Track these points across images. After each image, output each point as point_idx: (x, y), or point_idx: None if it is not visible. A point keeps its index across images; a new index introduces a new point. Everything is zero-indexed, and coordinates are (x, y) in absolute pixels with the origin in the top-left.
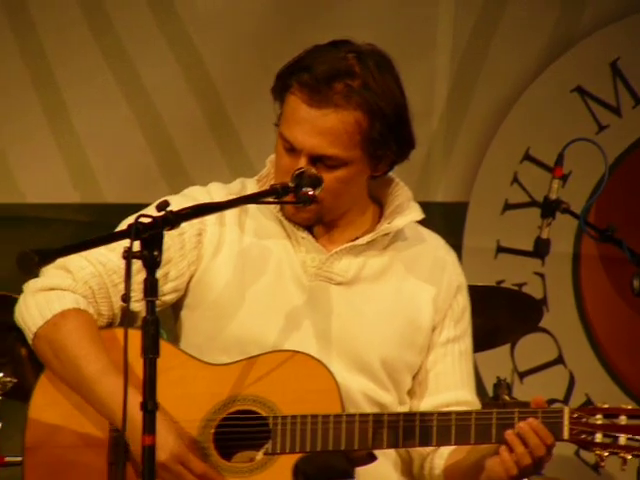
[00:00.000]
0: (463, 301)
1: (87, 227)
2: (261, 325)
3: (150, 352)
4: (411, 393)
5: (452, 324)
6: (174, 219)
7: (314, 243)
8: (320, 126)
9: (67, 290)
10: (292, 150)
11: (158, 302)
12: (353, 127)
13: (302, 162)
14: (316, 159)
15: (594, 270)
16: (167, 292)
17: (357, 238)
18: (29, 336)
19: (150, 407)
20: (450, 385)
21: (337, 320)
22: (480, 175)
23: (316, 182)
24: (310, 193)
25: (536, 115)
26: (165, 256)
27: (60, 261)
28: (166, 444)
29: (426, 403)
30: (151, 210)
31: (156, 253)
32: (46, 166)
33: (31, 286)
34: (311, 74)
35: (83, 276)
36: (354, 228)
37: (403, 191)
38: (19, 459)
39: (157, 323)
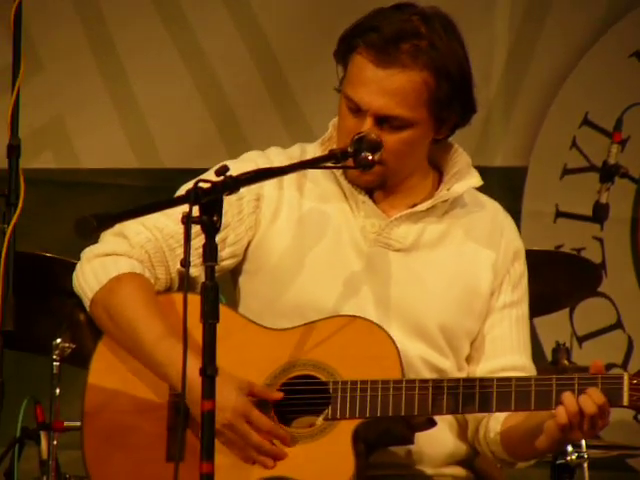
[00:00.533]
0: (520, 267)
1: (145, 192)
2: (320, 291)
3: (210, 317)
4: (468, 358)
5: (509, 289)
6: (233, 184)
7: (374, 208)
8: (387, 86)
9: (123, 255)
10: (357, 111)
11: (217, 267)
12: (420, 87)
13: (368, 123)
14: (382, 120)
15: None
16: (225, 257)
17: (416, 204)
18: (86, 302)
19: (210, 372)
20: (507, 350)
21: (396, 286)
22: (539, 140)
23: (375, 147)
24: (369, 158)
25: (594, 80)
26: (223, 221)
27: (117, 227)
28: (230, 402)
29: (482, 367)
30: (210, 175)
31: (215, 218)
32: (104, 132)
33: (88, 253)
34: (378, 34)
35: (139, 241)
36: (414, 194)
37: (462, 157)
38: (78, 424)
39: (217, 288)
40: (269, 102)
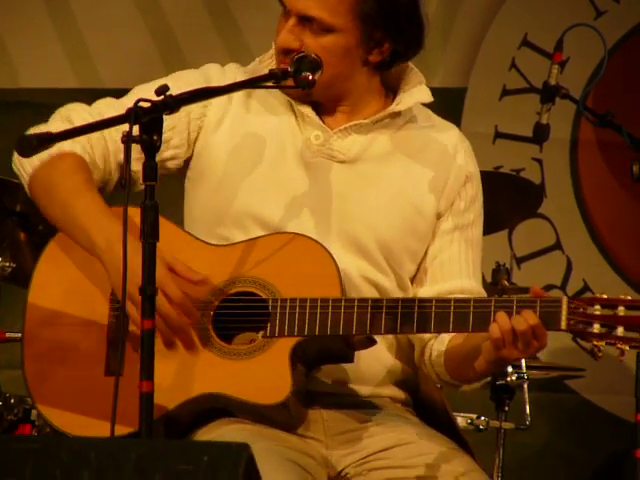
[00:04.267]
0: (473, 190)
1: None
2: (261, 202)
3: (149, 237)
4: (415, 280)
5: (460, 212)
6: (173, 103)
7: (318, 121)
8: None
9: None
10: (287, 14)
11: (159, 167)
12: None
13: (290, 21)
14: (304, 20)
15: (592, 156)
16: (167, 158)
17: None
18: (25, 178)
19: (149, 292)
20: (455, 273)
21: (336, 199)
22: (478, 61)
23: (315, 66)
24: (310, 77)
25: (534, 1)
26: (169, 122)
27: (64, 112)
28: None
29: (429, 290)
30: (145, 90)
31: (155, 137)
32: (44, 51)
33: (32, 133)
34: None
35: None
36: (362, 112)
37: (415, 75)
38: (19, 335)
39: (156, 208)
40: (209, 23)
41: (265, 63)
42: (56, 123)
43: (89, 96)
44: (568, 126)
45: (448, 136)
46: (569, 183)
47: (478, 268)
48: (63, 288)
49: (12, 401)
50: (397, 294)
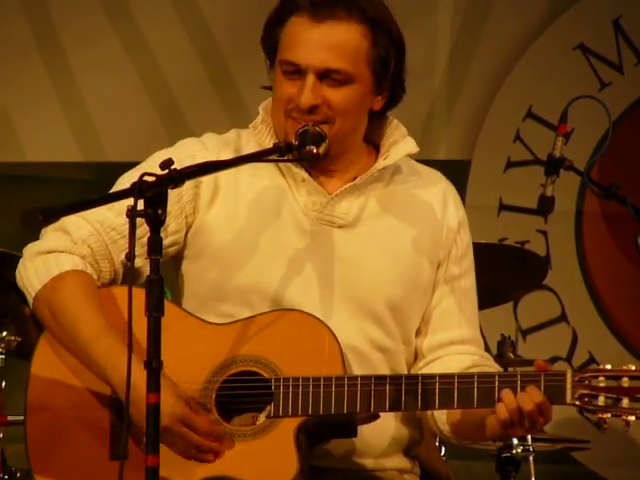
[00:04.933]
0: (466, 237)
1: (90, 185)
2: (263, 274)
3: (155, 310)
4: (417, 331)
5: (457, 261)
6: (178, 178)
7: (314, 185)
8: (325, 40)
9: (65, 252)
10: (296, 73)
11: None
12: (359, 39)
13: (309, 80)
14: (323, 75)
15: (597, 228)
16: (167, 245)
17: (356, 178)
18: (29, 300)
19: (155, 365)
20: (454, 323)
21: (340, 265)
22: (483, 133)
23: (319, 139)
24: (314, 151)
25: (538, 73)
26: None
27: (58, 222)
28: (167, 407)
29: (430, 341)
30: (149, 165)
31: (160, 212)
32: (49, 125)
33: (30, 250)
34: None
35: (81, 235)
36: (352, 169)
37: (398, 128)
38: (21, 418)
39: (161, 282)
40: (212, 93)
41: (258, 129)
42: (51, 234)
43: (94, 169)
44: (573, 198)
45: (437, 189)
46: (574, 255)
47: (476, 315)
48: (64, 367)
49: (18, 475)
50: (402, 356)
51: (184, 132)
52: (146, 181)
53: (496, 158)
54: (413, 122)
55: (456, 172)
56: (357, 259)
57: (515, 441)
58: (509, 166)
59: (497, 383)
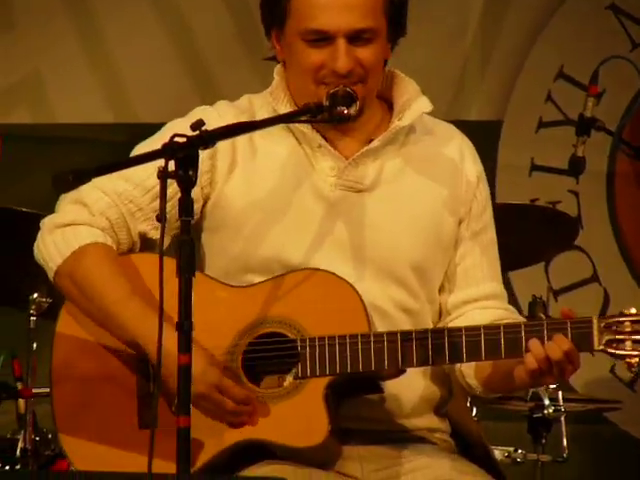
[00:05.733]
0: (485, 190)
1: (121, 147)
2: (286, 243)
3: (186, 272)
4: (440, 288)
5: (478, 216)
6: (209, 138)
7: (330, 150)
8: (347, 2)
9: (84, 224)
10: (323, 40)
11: (173, 226)
12: None
13: (341, 45)
14: (353, 37)
15: (628, 188)
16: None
17: (371, 140)
18: (50, 274)
19: (186, 327)
20: (479, 279)
21: (361, 230)
22: (514, 93)
23: (350, 100)
24: (345, 112)
25: (570, 33)
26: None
27: (75, 195)
28: (201, 373)
29: (455, 298)
30: (164, 135)
31: (191, 172)
32: (80, 87)
33: (47, 223)
34: None
35: (99, 207)
36: (367, 129)
37: (410, 84)
38: (47, 390)
39: (192, 243)
40: (244, 56)
41: (274, 95)
42: (68, 207)
43: (125, 131)
44: (604, 158)
45: (453, 144)
46: (606, 215)
47: (498, 268)
48: (87, 337)
49: (49, 436)
50: (427, 315)
51: (214, 94)
52: (177, 142)
53: (528, 118)
54: (445, 82)
55: (488, 132)
56: (378, 223)
57: (547, 402)
58: (541, 126)
59: (524, 333)
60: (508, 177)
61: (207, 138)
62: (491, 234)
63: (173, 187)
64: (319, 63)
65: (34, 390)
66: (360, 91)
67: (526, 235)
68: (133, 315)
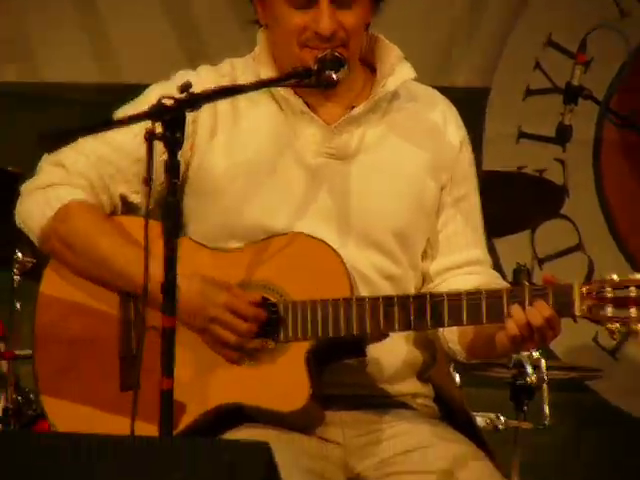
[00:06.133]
0: (469, 156)
1: (106, 107)
2: (269, 212)
3: (171, 234)
4: (423, 254)
5: (461, 182)
6: (195, 101)
7: (313, 117)
8: None
9: (64, 185)
10: (307, 2)
11: (155, 191)
12: None
13: (324, 5)
14: (336, 0)
15: (615, 156)
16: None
17: (353, 106)
18: (34, 237)
19: (171, 290)
20: (462, 245)
21: (344, 197)
22: (502, 61)
23: (339, 64)
24: (334, 76)
25: (559, 0)
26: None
27: (55, 157)
28: (212, 296)
29: (438, 264)
30: (146, 99)
31: (178, 135)
32: (68, 46)
33: (27, 187)
34: None
35: (78, 168)
36: (349, 95)
37: (392, 50)
38: (29, 353)
39: (178, 205)
40: (232, 17)
41: (257, 59)
42: (47, 168)
43: (111, 90)
44: (591, 127)
45: (436, 110)
46: (592, 184)
47: (481, 234)
48: (71, 299)
49: (31, 396)
50: (410, 281)
51: (202, 55)
52: (164, 104)
53: (515, 86)
54: (433, 48)
55: (475, 99)
56: (361, 191)
57: (529, 369)
58: (528, 94)
59: (505, 298)
60: (495, 144)
61: (194, 101)
62: (474, 200)
63: (156, 150)
64: (301, 25)
65: (16, 352)
66: (344, 54)
67: (512, 203)
68: (133, 259)
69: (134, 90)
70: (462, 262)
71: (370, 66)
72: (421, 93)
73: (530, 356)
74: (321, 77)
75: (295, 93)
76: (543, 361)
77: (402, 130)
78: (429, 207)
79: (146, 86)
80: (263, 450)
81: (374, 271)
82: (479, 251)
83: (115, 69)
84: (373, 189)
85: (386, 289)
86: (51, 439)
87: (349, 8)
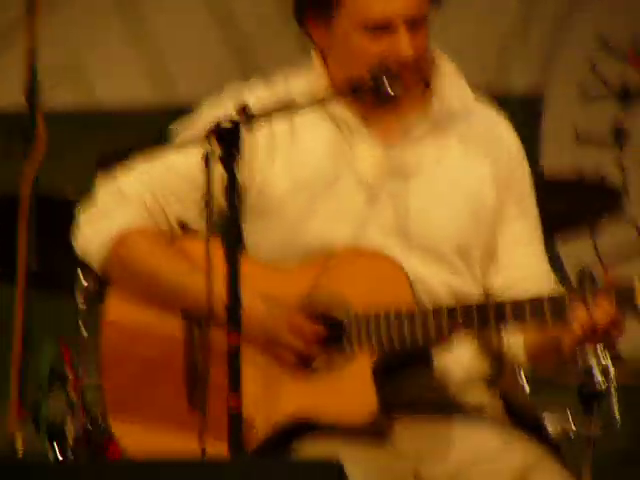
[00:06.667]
0: (525, 166)
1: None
2: (328, 232)
3: (233, 250)
4: (484, 269)
5: (519, 194)
6: (252, 121)
7: (370, 136)
8: None
9: (121, 210)
10: (382, 29)
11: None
12: None
13: (403, 32)
14: (411, 23)
15: None
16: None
17: (410, 122)
18: (95, 266)
19: (235, 305)
20: (522, 257)
21: (406, 215)
22: (558, 65)
23: (396, 80)
24: (391, 93)
25: (613, 3)
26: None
27: (111, 182)
28: (271, 315)
29: (499, 278)
30: (201, 116)
31: (236, 154)
32: (120, 66)
33: (85, 214)
34: None
35: (134, 193)
36: (405, 110)
37: (448, 64)
38: (96, 380)
39: (239, 223)
40: (287, 34)
41: (316, 83)
42: (104, 194)
43: (168, 112)
44: None
45: (491, 123)
46: None
47: (542, 244)
48: (134, 327)
49: (100, 422)
50: (472, 293)
51: (257, 70)
52: (222, 126)
53: (571, 89)
54: (488, 54)
55: (532, 105)
56: (421, 207)
57: (599, 377)
58: (584, 98)
59: (568, 299)
60: (553, 148)
61: (251, 121)
62: (533, 212)
63: (216, 173)
64: (379, 52)
65: (85, 380)
66: (417, 77)
67: (573, 207)
68: (201, 286)
69: (188, 108)
70: (527, 275)
71: (424, 80)
72: (477, 106)
73: (599, 363)
74: (378, 92)
75: (352, 112)
76: (611, 368)
77: (460, 145)
78: (489, 221)
79: (199, 99)
80: (335, 469)
81: (438, 284)
82: (541, 262)
83: (167, 82)
84: (433, 205)
85: (449, 301)
86: (121, 468)
87: (420, 30)
